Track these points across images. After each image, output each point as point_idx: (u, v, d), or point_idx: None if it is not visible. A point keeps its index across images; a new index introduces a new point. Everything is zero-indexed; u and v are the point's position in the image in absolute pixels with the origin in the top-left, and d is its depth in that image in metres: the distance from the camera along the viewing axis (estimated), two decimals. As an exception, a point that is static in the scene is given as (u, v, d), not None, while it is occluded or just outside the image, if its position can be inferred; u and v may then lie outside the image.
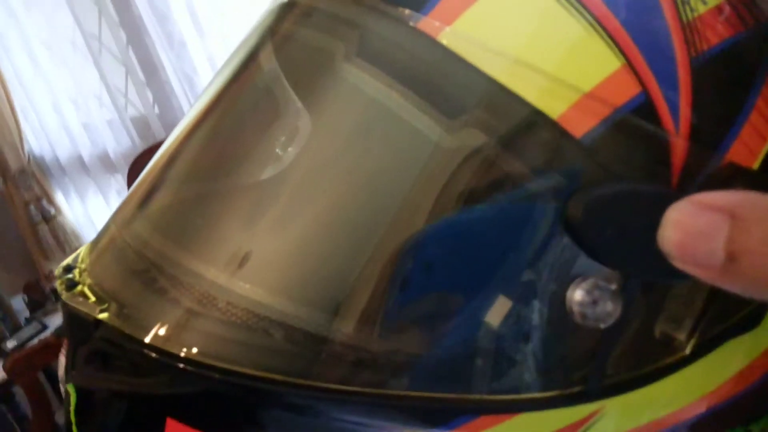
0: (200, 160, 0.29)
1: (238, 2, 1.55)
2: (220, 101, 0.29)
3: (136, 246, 0.27)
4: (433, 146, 0.23)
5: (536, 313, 0.22)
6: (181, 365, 0.23)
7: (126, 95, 2.05)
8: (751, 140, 0.23)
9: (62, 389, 0.28)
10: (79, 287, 0.27)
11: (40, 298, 2.33)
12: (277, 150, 0.25)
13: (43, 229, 2.51)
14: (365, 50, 0.24)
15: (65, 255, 2.72)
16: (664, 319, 0.23)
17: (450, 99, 0.23)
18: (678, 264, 0.19)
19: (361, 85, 0.24)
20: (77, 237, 2.54)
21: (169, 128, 1.93)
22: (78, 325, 0.26)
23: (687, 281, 0.21)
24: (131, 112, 2.06)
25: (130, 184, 2.04)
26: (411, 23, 0.23)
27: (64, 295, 0.27)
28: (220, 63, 1.37)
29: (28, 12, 2.07)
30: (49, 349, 1.96)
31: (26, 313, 2.27)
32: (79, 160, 2.31)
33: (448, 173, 0.23)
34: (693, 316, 0.23)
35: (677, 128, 0.22)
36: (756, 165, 0.23)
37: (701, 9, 0.24)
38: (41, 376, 2.03)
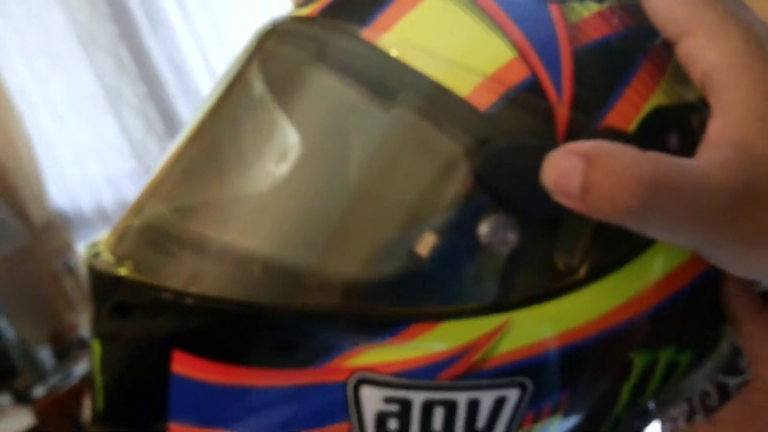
0: (200, 159, 0.36)
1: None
2: (217, 109, 0.36)
3: (148, 222, 0.34)
4: (373, 124, 0.31)
5: (454, 242, 0.28)
6: (189, 300, 0.29)
7: (145, 146, 2.12)
8: (626, 110, 0.30)
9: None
10: (101, 256, 0.33)
11: (65, 347, 2.38)
12: (271, 165, 0.33)
13: (67, 280, 2.57)
14: (322, 56, 0.32)
15: (88, 305, 2.73)
16: (560, 248, 0.29)
17: (385, 86, 0.31)
18: (556, 197, 0.26)
19: (321, 82, 0.32)
20: (100, 287, 2.57)
21: (188, 175, 1.98)
22: (102, 284, 0.32)
23: (570, 214, 0.27)
24: (152, 161, 2.14)
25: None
26: (356, 33, 0.31)
27: (89, 263, 0.33)
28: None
29: (51, 69, 2.17)
30: (76, 394, 2.00)
31: (52, 362, 2.31)
32: (102, 210, 2.37)
33: (386, 143, 0.31)
34: (583, 246, 0.29)
35: (561, 101, 0.29)
36: (632, 128, 0.29)
37: (585, 14, 0.31)
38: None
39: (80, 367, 2.23)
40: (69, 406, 1.99)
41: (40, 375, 2.21)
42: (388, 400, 0.29)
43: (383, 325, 0.28)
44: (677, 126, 0.31)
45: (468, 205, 0.28)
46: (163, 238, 0.33)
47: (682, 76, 0.31)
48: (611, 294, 0.30)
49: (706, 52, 0.28)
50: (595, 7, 0.32)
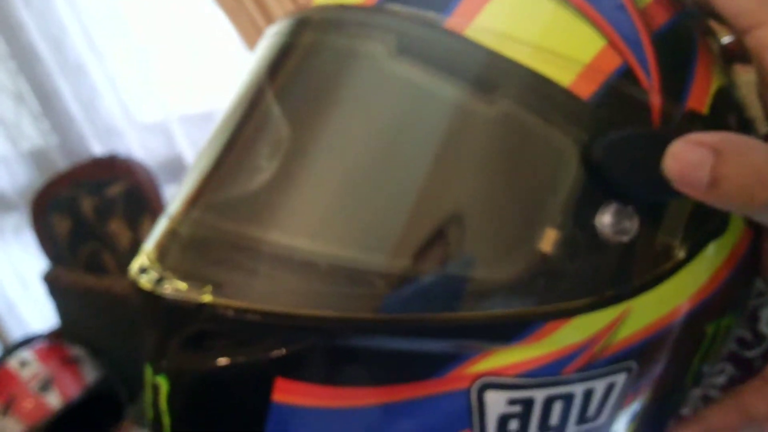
0: (230, 162, 0.33)
1: (136, 21, 1.53)
2: (242, 114, 0.33)
3: (211, 235, 0.30)
4: (477, 117, 0.29)
5: (577, 236, 0.28)
6: (288, 322, 0.26)
7: (19, 127, 1.96)
8: (699, 93, 0.31)
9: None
10: (167, 282, 0.29)
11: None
12: (261, 161, 0.30)
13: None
14: (404, 49, 0.30)
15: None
16: (663, 231, 0.29)
17: (483, 80, 0.29)
18: (677, 186, 0.26)
19: (409, 77, 0.29)
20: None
21: (72, 157, 1.85)
22: (175, 314, 0.28)
23: (681, 199, 0.27)
24: (27, 145, 1.97)
25: (35, 219, 1.93)
26: (438, 23, 0.29)
27: (156, 291, 0.29)
28: (120, 84, 1.30)
29: None
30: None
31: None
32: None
33: (494, 140, 0.29)
34: (682, 226, 0.29)
35: (652, 87, 0.29)
36: (706, 111, 0.31)
37: (647, 1, 0.32)
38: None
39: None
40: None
41: None
42: (512, 402, 0.28)
43: (516, 327, 0.27)
44: (735, 106, 0.32)
45: (585, 197, 0.28)
46: (235, 254, 0.29)
47: (723, 57, 0.33)
48: (704, 269, 0.31)
49: None
50: None
